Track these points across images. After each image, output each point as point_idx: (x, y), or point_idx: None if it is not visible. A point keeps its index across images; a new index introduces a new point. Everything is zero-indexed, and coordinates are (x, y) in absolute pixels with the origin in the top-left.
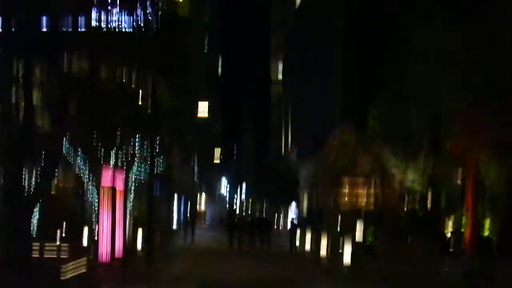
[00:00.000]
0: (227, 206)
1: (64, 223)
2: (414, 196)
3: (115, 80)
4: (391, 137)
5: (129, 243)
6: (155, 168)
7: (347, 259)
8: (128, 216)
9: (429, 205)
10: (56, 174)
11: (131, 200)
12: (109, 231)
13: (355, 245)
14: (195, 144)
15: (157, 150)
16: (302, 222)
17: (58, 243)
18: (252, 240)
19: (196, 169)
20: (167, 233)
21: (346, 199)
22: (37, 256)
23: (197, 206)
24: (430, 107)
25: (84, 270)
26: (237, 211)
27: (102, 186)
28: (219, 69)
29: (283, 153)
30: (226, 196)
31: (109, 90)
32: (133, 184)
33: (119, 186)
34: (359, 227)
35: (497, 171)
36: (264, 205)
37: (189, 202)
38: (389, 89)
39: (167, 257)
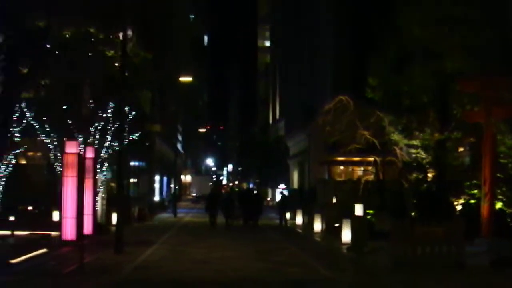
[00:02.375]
0: (214, 177)
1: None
2: (419, 166)
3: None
4: (393, 105)
5: (102, 220)
6: (130, 135)
7: (346, 236)
8: (100, 189)
9: (435, 177)
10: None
11: (104, 171)
12: (74, 205)
13: (357, 222)
14: (179, 113)
15: (133, 113)
16: (293, 195)
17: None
18: (244, 216)
19: (180, 139)
20: (149, 207)
21: (342, 171)
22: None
23: (183, 178)
24: (437, 72)
25: (45, 250)
26: (224, 183)
27: (66, 153)
28: (205, 39)
29: (270, 123)
30: (212, 168)
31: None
32: (107, 152)
33: (88, 153)
34: (358, 202)
35: None
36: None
37: (172, 174)
38: (389, 54)
39: (140, 237)
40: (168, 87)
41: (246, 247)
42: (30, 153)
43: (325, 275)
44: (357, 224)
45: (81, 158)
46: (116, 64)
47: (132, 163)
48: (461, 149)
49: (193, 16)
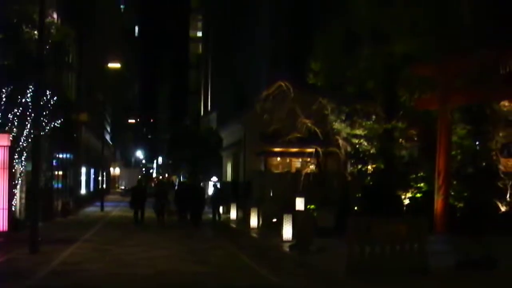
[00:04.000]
0: (144, 171)
1: None
2: (363, 158)
3: None
4: (336, 92)
5: (21, 215)
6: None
7: (287, 233)
8: (18, 181)
9: (376, 169)
10: None
11: (23, 161)
12: None
13: (301, 218)
14: (108, 103)
15: (54, 98)
16: (226, 189)
17: None
18: (180, 212)
19: (109, 130)
20: (74, 201)
21: (280, 163)
22: None
23: (111, 170)
24: (384, 55)
25: None
26: (154, 176)
27: None
28: (136, 29)
29: (202, 115)
30: (142, 160)
31: None
32: (26, 141)
33: (2, 141)
34: (299, 196)
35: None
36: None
37: (100, 166)
38: (333, 37)
39: (62, 233)
40: (95, 74)
41: (178, 245)
42: None
43: (271, 282)
44: (301, 219)
45: None
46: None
47: (60, 155)
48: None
49: (123, 6)
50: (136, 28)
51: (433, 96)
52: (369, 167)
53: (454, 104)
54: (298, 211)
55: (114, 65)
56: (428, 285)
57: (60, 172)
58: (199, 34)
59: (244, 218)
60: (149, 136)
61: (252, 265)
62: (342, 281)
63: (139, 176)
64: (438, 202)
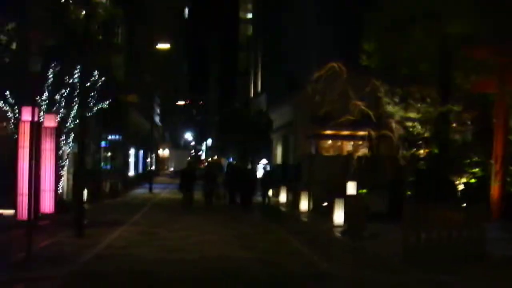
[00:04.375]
0: (193, 153)
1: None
2: (417, 141)
3: None
4: (390, 74)
5: (69, 197)
6: (99, 103)
7: (338, 218)
8: (66, 163)
9: (429, 153)
10: None
11: (71, 142)
12: (29, 180)
13: (353, 202)
14: (157, 84)
15: (102, 79)
16: (276, 171)
17: None
18: (231, 195)
19: (158, 111)
20: (123, 182)
21: (331, 146)
22: None
23: (160, 152)
24: (439, 35)
25: None
26: (203, 158)
27: (21, 121)
28: (186, 11)
29: (251, 97)
30: (191, 142)
31: None
32: (73, 122)
33: (48, 122)
34: (351, 180)
35: None
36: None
37: (149, 147)
38: (386, 17)
39: (110, 216)
40: (144, 55)
41: (227, 229)
42: None
43: (324, 269)
44: (353, 204)
45: (36, 126)
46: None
47: (109, 137)
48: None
49: None
50: (186, 10)
51: (490, 78)
52: (422, 151)
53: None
54: (350, 195)
55: (163, 46)
56: (486, 272)
57: (109, 154)
58: (249, 15)
59: (294, 202)
60: (198, 118)
61: (303, 251)
62: (398, 268)
63: (189, 158)
64: (495, 188)
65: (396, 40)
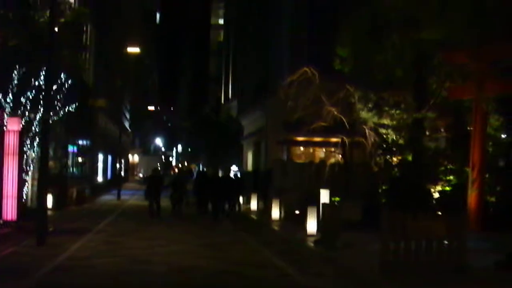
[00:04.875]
0: (163, 159)
1: None
2: (391, 148)
3: None
4: (364, 79)
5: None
6: (66, 106)
7: (311, 227)
8: (30, 168)
9: (402, 160)
10: None
11: (35, 147)
12: None
13: (327, 211)
14: (127, 89)
15: (68, 81)
16: (246, 179)
17: None
18: (200, 203)
19: (127, 116)
20: (90, 189)
21: (303, 152)
22: None
23: (130, 158)
24: (415, 41)
25: None
26: (174, 164)
27: None
28: (157, 16)
29: (222, 103)
30: (161, 148)
31: None
32: (39, 126)
33: (11, 125)
34: (323, 187)
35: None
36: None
37: (118, 153)
38: (361, 22)
39: (74, 223)
40: (114, 59)
41: (196, 239)
42: None
43: (299, 283)
44: (328, 213)
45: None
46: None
47: (77, 142)
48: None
49: None
50: (158, 14)
51: (468, 85)
52: (395, 158)
53: (490, 94)
54: (324, 204)
55: (134, 50)
56: (468, 286)
57: (78, 159)
58: (221, 21)
59: (265, 209)
60: (169, 124)
61: (277, 262)
62: (376, 280)
63: (157, 164)
64: (472, 197)
65: (371, 45)
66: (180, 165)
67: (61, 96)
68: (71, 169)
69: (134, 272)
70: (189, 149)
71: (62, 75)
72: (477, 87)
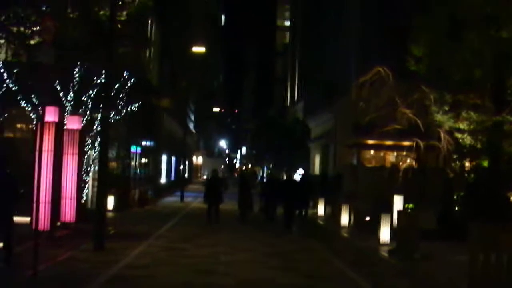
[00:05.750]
0: (227, 161)
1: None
2: (468, 153)
3: None
4: (440, 80)
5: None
6: (129, 105)
7: (384, 235)
8: (91, 168)
9: (475, 166)
10: None
11: (97, 147)
12: (48, 186)
13: (404, 219)
14: (192, 89)
15: (132, 80)
16: (314, 183)
17: None
18: (268, 209)
19: (192, 118)
20: (154, 190)
21: (373, 156)
22: None
23: (194, 160)
24: (495, 39)
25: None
26: (237, 166)
27: (40, 122)
28: (223, 18)
29: (288, 105)
30: (225, 150)
31: None
32: (99, 125)
33: (71, 123)
34: (397, 193)
35: None
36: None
37: (182, 155)
38: (437, 21)
39: (135, 227)
40: (179, 59)
41: (263, 246)
42: (18, 125)
43: None
44: (404, 221)
45: (59, 128)
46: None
47: (141, 142)
48: None
49: None
50: (223, 17)
51: None
52: (468, 163)
53: None
54: (400, 211)
55: (199, 49)
56: None
57: (142, 160)
58: (287, 23)
59: (332, 215)
60: (233, 126)
61: (350, 275)
62: None
63: (220, 166)
64: None
65: (449, 44)
66: (244, 168)
67: (124, 95)
68: (134, 170)
69: (198, 284)
70: (253, 151)
71: (125, 73)
72: None
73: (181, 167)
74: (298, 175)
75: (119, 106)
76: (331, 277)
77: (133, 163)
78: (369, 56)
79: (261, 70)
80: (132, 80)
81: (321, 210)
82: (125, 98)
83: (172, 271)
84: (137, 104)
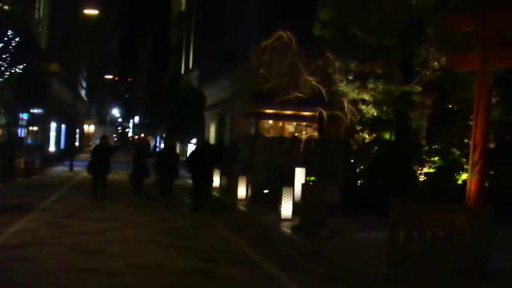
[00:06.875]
0: (119, 129)
1: None
2: (372, 124)
3: None
4: (346, 49)
5: None
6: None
7: (286, 210)
8: None
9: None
10: None
11: None
12: None
13: (309, 192)
14: (84, 55)
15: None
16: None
17: None
18: (197, 182)
19: (84, 85)
20: (42, 159)
21: (271, 126)
22: None
23: (85, 128)
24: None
25: None
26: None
27: None
28: None
29: (182, 73)
30: (118, 119)
31: None
32: None
33: None
34: (298, 165)
35: None
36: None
37: (72, 122)
38: None
39: (18, 199)
40: (71, 23)
41: (156, 222)
42: None
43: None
44: (309, 194)
45: None
46: None
47: (29, 109)
48: None
49: None
50: None
51: (470, 55)
52: (367, 135)
53: (498, 65)
54: (304, 184)
55: (92, 12)
56: None
57: (30, 128)
58: None
59: (229, 187)
60: (127, 96)
61: (254, 256)
62: (383, 285)
63: (114, 135)
64: (473, 182)
65: (357, 8)
66: (136, 136)
67: (7, 56)
68: (21, 138)
69: (78, 269)
70: (146, 120)
71: (9, 32)
72: (482, 58)
73: (72, 135)
74: (192, 144)
75: (2, 68)
76: (232, 260)
77: (19, 130)
78: (272, 21)
79: (156, 39)
80: (17, 40)
81: (216, 181)
82: (8, 59)
83: (54, 252)
84: (22, 66)
